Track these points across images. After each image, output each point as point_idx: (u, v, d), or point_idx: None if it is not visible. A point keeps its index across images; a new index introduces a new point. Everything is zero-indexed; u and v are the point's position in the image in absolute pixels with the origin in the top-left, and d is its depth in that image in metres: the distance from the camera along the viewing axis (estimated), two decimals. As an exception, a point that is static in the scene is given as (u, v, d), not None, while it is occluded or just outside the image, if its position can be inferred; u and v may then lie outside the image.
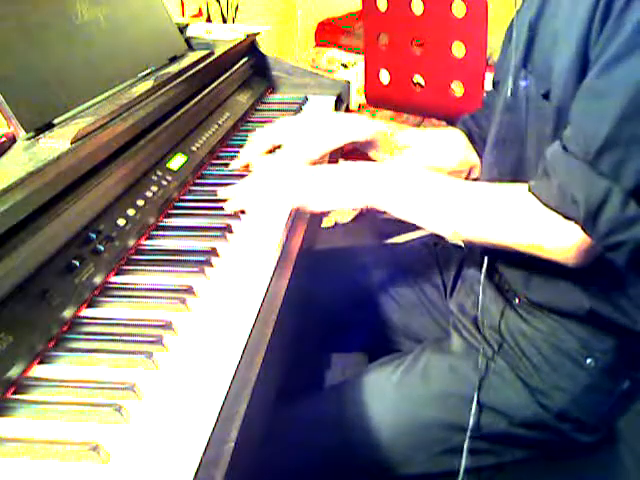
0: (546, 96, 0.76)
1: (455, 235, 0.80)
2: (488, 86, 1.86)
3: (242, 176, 0.96)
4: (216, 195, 0.95)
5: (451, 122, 2.01)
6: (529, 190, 0.74)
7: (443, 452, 0.85)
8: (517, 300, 0.87)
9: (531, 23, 0.79)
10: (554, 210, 0.71)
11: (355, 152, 1.03)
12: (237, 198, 0.86)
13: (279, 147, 1.00)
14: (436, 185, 0.81)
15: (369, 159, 1.02)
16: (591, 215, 0.68)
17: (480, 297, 0.90)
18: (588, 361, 0.82)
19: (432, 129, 1.12)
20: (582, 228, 0.69)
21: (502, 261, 0.88)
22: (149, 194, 0.87)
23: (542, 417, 0.83)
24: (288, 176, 0.84)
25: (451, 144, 1.04)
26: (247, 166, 1.01)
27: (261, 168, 0.92)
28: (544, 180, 0.72)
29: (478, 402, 0.84)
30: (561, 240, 0.71)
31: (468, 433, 0.83)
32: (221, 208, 0.91)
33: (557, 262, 0.74)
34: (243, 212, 0.87)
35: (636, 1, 0.64)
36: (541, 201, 0.72)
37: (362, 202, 0.81)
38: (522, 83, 0.79)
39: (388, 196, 0.81)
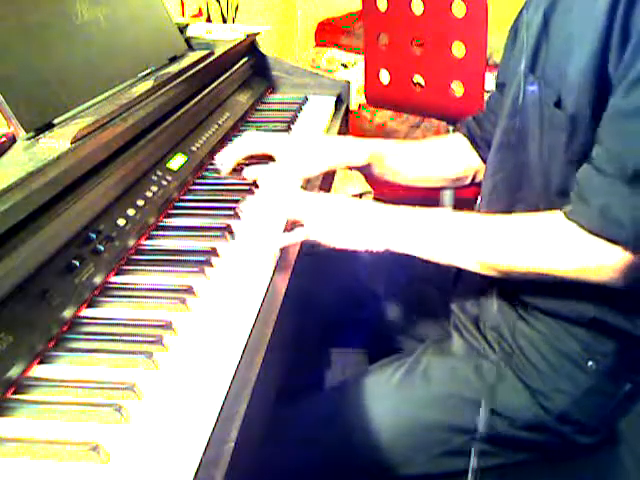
0: (557, 104, 0.75)
1: (484, 267, 0.79)
2: (488, 86, 1.87)
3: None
4: (216, 195, 0.95)
5: (451, 122, 2.01)
6: (566, 217, 0.72)
7: (444, 453, 0.84)
8: (518, 302, 0.86)
9: (539, 26, 0.78)
10: (597, 235, 0.70)
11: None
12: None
13: (269, 158, 1.01)
14: (461, 222, 0.80)
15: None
16: (638, 235, 0.67)
17: (481, 298, 0.90)
18: (589, 364, 0.81)
19: (432, 138, 1.12)
20: (631, 250, 0.68)
21: None
22: (149, 194, 0.87)
23: (543, 419, 0.83)
24: (308, 207, 0.83)
25: (453, 151, 1.04)
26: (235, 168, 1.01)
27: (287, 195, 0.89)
28: (582, 205, 0.71)
29: (479, 404, 0.84)
30: (604, 262, 0.71)
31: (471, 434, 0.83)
32: (221, 208, 0.91)
33: (603, 284, 0.73)
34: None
35: None
36: (582, 227, 0.71)
37: (379, 245, 0.81)
38: (530, 88, 0.79)
39: (409, 240, 0.81)
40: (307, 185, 1.00)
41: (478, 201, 0.96)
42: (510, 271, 0.77)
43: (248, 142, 1.02)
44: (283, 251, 0.82)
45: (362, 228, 0.81)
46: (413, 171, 1.04)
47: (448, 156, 1.04)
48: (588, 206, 0.70)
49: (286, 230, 0.84)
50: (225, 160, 1.01)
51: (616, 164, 0.67)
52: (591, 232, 0.70)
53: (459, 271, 1.03)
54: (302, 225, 0.81)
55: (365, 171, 1.03)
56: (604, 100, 0.70)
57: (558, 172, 0.77)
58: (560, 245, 0.74)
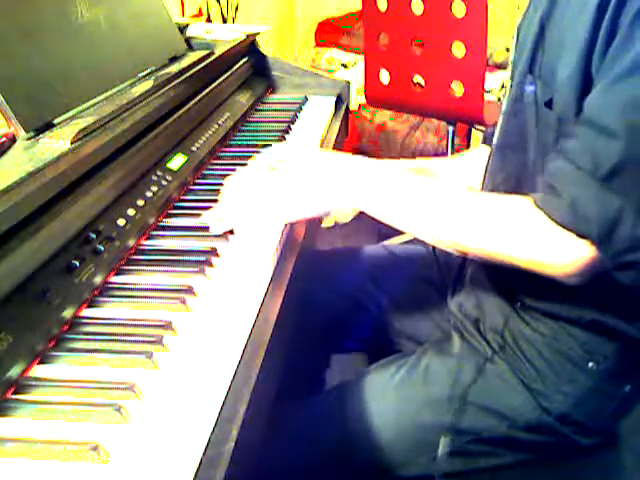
0: (548, 104, 0.74)
1: (440, 242, 0.78)
2: (488, 86, 1.87)
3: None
4: (216, 195, 0.95)
5: (451, 122, 2.02)
6: (534, 204, 0.72)
7: (444, 454, 0.84)
8: (519, 304, 0.86)
9: (538, 26, 0.77)
10: (565, 227, 0.69)
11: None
12: (223, 219, 0.84)
13: None
14: (427, 189, 0.79)
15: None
16: (604, 233, 0.66)
17: (480, 299, 0.90)
18: (590, 364, 0.81)
19: (460, 155, 1.10)
20: (596, 246, 0.68)
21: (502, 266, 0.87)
22: (149, 194, 0.87)
23: (544, 420, 0.83)
24: (269, 188, 0.81)
25: (482, 163, 1.03)
26: None
27: (236, 183, 0.87)
28: (553, 196, 0.70)
29: (479, 405, 0.84)
30: (565, 256, 0.70)
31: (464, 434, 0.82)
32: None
33: (555, 278, 0.72)
34: (232, 232, 0.84)
35: None
36: (549, 216, 0.70)
37: (346, 204, 0.79)
38: (528, 88, 0.78)
39: (375, 199, 0.78)
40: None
41: None
42: (466, 249, 0.77)
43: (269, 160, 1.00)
44: (283, 252, 0.82)
45: (326, 191, 0.79)
46: (457, 185, 1.03)
47: (479, 170, 1.03)
48: (558, 197, 0.69)
49: (285, 230, 0.84)
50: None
51: (591, 160, 0.67)
52: (558, 223, 0.69)
53: (459, 272, 1.03)
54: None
55: None
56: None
57: None
58: (522, 231, 0.72)
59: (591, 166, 0.67)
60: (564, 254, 0.70)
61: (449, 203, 0.77)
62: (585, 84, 0.69)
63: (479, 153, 1.04)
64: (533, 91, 0.77)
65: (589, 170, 0.67)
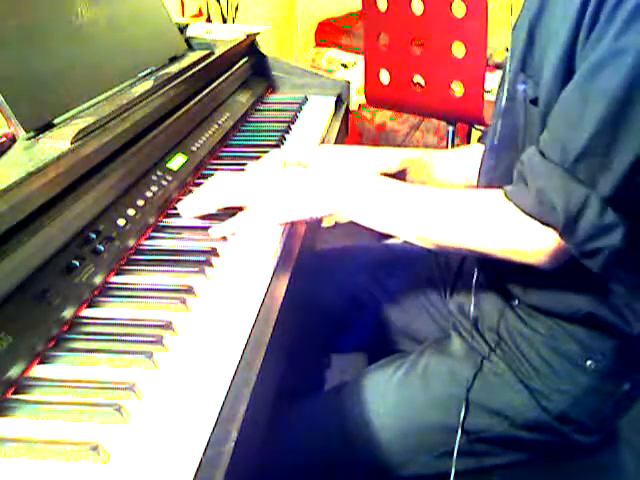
0: (534, 102, 0.75)
1: (422, 240, 0.78)
2: (488, 86, 1.87)
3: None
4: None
5: (451, 122, 2.02)
6: (505, 196, 0.73)
7: (443, 454, 0.84)
8: (516, 301, 0.87)
9: (529, 25, 0.78)
10: (531, 216, 0.70)
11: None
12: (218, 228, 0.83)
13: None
14: (403, 191, 0.79)
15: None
16: (570, 222, 0.68)
17: (479, 298, 0.90)
18: (588, 363, 0.82)
19: (458, 148, 1.11)
20: (560, 234, 0.69)
21: (499, 264, 0.88)
22: (149, 194, 0.87)
23: (543, 419, 0.83)
24: (250, 190, 0.81)
25: (479, 159, 1.03)
26: None
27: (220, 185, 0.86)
28: (521, 186, 0.71)
29: (478, 404, 0.84)
30: (535, 244, 0.71)
31: (459, 434, 0.82)
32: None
33: (529, 265, 0.74)
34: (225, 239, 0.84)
35: (621, 14, 0.64)
36: (518, 207, 0.71)
37: (324, 210, 0.79)
38: (520, 87, 0.79)
39: (353, 204, 0.79)
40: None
41: None
42: (444, 245, 0.78)
43: (284, 153, 1.00)
44: (283, 251, 0.82)
45: (304, 196, 0.80)
46: (452, 178, 1.03)
47: (475, 165, 1.03)
48: (527, 187, 0.71)
49: (285, 230, 0.84)
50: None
51: (559, 150, 0.68)
52: (526, 213, 0.71)
53: (458, 272, 1.03)
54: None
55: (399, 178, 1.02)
56: None
57: None
58: (494, 223, 0.74)
59: (561, 157, 0.68)
60: (533, 243, 0.71)
61: (424, 201, 0.78)
62: (568, 79, 0.70)
63: (475, 148, 1.04)
64: (525, 90, 0.78)
65: (557, 160, 0.68)
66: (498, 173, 0.85)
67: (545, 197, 0.69)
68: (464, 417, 0.83)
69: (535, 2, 0.78)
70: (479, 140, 1.07)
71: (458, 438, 0.82)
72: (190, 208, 0.84)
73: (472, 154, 1.03)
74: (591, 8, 0.66)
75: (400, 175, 1.01)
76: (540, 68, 0.74)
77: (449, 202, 0.77)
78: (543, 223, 0.70)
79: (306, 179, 0.81)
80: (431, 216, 0.77)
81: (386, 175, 0.98)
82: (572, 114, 0.67)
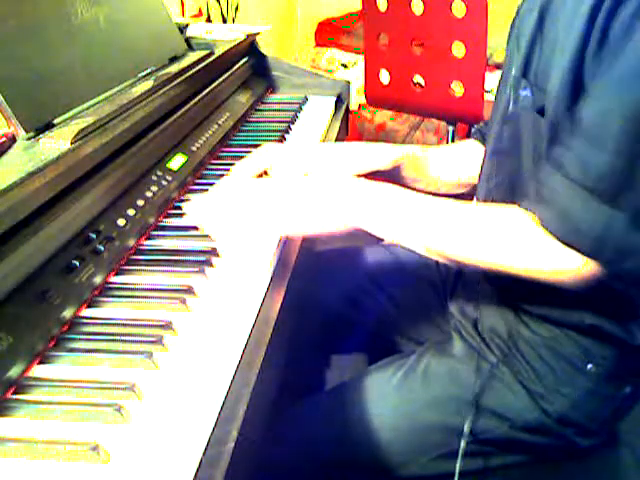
0: (540, 112, 0.73)
1: (432, 252, 0.77)
2: (488, 86, 1.87)
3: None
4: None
5: (451, 122, 2.02)
6: (526, 215, 0.71)
7: (444, 455, 0.84)
8: (517, 306, 0.86)
9: (533, 29, 0.76)
10: (555, 237, 0.68)
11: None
12: (210, 225, 0.81)
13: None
14: (420, 203, 0.77)
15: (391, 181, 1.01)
16: (595, 244, 0.66)
17: (480, 299, 0.90)
18: (589, 367, 0.81)
19: (451, 145, 1.10)
20: (587, 256, 0.67)
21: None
22: (149, 194, 0.87)
23: (543, 421, 0.83)
24: (262, 198, 0.79)
25: (472, 155, 1.03)
26: None
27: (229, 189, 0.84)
28: (544, 205, 0.70)
29: (479, 406, 0.84)
30: (561, 265, 0.70)
31: (464, 437, 0.82)
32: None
33: (560, 285, 0.72)
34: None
35: (637, 29, 0.62)
36: (541, 227, 0.69)
37: (336, 222, 0.77)
38: (522, 93, 0.77)
39: (371, 217, 0.77)
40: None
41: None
42: (461, 260, 0.76)
43: (269, 153, 0.97)
44: (283, 252, 0.82)
45: (316, 208, 0.77)
46: (439, 175, 1.03)
47: (468, 161, 1.02)
48: (550, 208, 0.69)
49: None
50: (242, 173, 0.96)
51: (580, 170, 0.66)
52: (550, 233, 0.69)
53: (459, 273, 1.03)
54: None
55: (390, 176, 1.01)
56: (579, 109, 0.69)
57: None
58: (516, 242, 0.72)
59: (581, 176, 0.66)
60: (559, 263, 0.69)
61: (445, 217, 0.76)
62: (577, 91, 0.68)
63: (469, 145, 1.04)
64: (527, 96, 0.76)
65: (579, 180, 0.66)
66: (498, 180, 0.85)
67: (569, 219, 0.67)
68: (466, 419, 0.83)
69: (536, 8, 0.76)
70: (472, 135, 1.06)
71: (464, 439, 0.82)
72: (196, 213, 0.82)
73: (466, 151, 1.02)
74: (602, 15, 0.64)
75: (394, 171, 1.00)
76: (545, 76, 0.73)
77: (469, 217, 0.75)
78: (568, 245, 0.68)
79: (318, 191, 0.79)
80: (451, 232, 0.75)
81: (379, 171, 0.99)
82: (591, 132, 0.66)
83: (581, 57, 0.67)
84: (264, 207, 0.78)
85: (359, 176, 0.96)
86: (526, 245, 0.71)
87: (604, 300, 0.76)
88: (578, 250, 0.67)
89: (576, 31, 0.67)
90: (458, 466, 0.82)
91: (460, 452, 0.82)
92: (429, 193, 0.80)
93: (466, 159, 1.01)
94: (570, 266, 0.69)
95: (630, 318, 0.78)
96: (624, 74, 0.63)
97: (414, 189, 1.02)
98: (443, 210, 0.76)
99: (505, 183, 0.83)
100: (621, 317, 0.78)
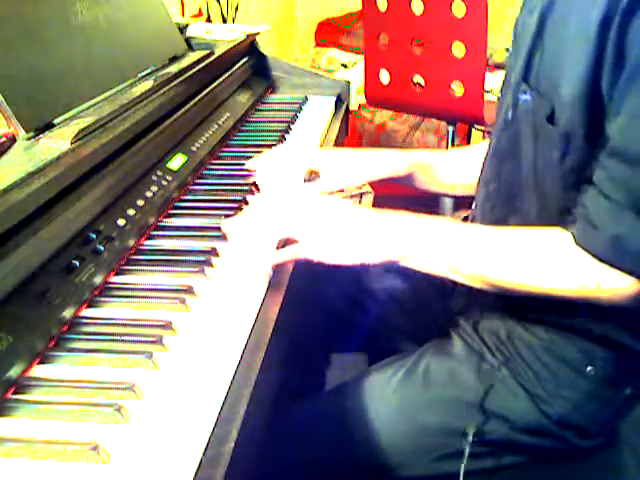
0: (550, 119, 0.72)
1: (488, 284, 0.77)
2: (488, 86, 1.87)
3: (245, 176, 0.96)
4: (216, 195, 0.95)
5: (451, 122, 2.02)
6: (575, 240, 0.71)
7: (444, 456, 0.84)
8: (517, 309, 0.86)
9: (534, 32, 0.75)
10: (608, 263, 0.68)
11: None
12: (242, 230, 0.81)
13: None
14: (467, 235, 0.77)
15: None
16: None
17: (479, 301, 0.90)
18: (589, 369, 0.81)
19: (465, 149, 1.10)
20: (637, 277, 0.67)
21: None
22: (149, 194, 0.87)
23: (543, 423, 0.82)
24: (294, 215, 0.79)
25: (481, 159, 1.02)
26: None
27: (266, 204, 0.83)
28: (591, 231, 0.69)
29: (479, 407, 0.84)
30: (613, 288, 0.69)
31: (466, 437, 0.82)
32: (221, 208, 0.91)
33: (615, 305, 0.72)
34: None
35: None
36: (591, 253, 0.69)
37: (380, 257, 0.77)
38: (523, 97, 0.76)
39: (413, 251, 0.77)
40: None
41: (472, 207, 0.95)
42: (515, 289, 0.76)
43: (287, 155, 0.99)
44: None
45: (358, 241, 0.77)
46: (459, 178, 1.03)
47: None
48: (598, 233, 0.68)
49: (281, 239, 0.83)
50: (259, 170, 0.99)
51: (624, 193, 0.66)
52: (601, 260, 0.68)
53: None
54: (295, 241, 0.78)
55: (406, 182, 1.02)
56: (597, 119, 0.68)
57: (554, 188, 0.75)
58: (568, 268, 0.71)
59: (627, 199, 0.65)
60: (610, 286, 0.69)
61: (488, 242, 0.76)
62: (594, 102, 0.67)
63: (479, 148, 1.03)
64: (527, 100, 0.75)
65: (626, 204, 0.66)
66: (497, 184, 0.84)
67: (620, 243, 0.67)
68: (469, 421, 0.83)
69: (536, 10, 0.75)
70: (487, 137, 1.06)
71: (468, 441, 0.81)
72: (236, 230, 0.81)
73: (475, 154, 1.02)
74: (615, 28, 0.63)
75: (407, 179, 1.01)
76: (549, 82, 0.72)
77: (514, 243, 0.75)
78: (621, 269, 0.68)
79: (363, 224, 0.78)
80: (499, 259, 0.75)
81: (393, 179, 0.99)
82: (629, 153, 0.65)
83: (597, 69, 0.66)
84: (306, 225, 0.77)
85: (374, 182, 0.99)
86: (577, 272, 0.71)
87: (607, 309, 0.75)
88: (630, 272, 0.67)
89: (588, 39, 0.66)
90: (463, 466, 0.82)
91: (465, 454, 0.82)
92: (444, 195, 0.79)
93: (475, 163, 1.01)
94: (623, 288, 0.69)
95: (630, 323, 0.78)
96: None
97: (427, 192, 1.03)
98: (493, 238, 0.76)
99: (504, 187, 0.83)
100: (625, 324, 0.78)
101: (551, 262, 0.73)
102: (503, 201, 0.82)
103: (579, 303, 0.75)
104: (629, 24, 0.63)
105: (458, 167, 1.03)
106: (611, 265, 0.68)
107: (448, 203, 2.11)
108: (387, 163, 1.00)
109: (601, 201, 0.68)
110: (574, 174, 0.72)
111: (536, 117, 0.74)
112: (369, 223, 0.78)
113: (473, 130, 2.31)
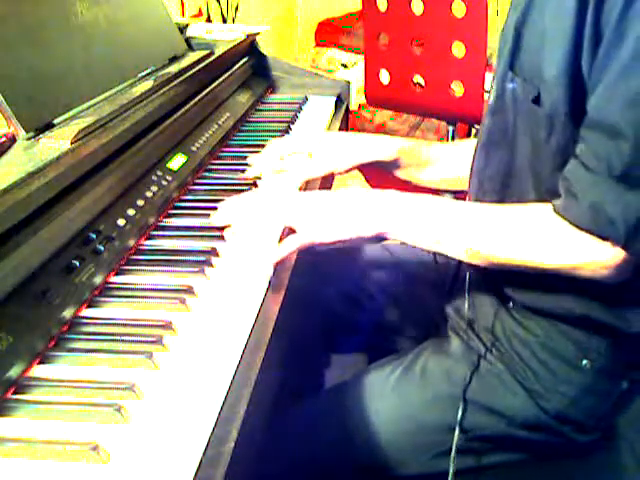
0: (536, 101, 0.74)
1: (473, 256, 0.78)
2: (488, 86, 1.87)
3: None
4: (216, 195, 0.95)
5: (451, 122, 2.02)
6: (555, 211, 0.72)
7: (442, 453, 0.84)
8: (510, 303, 0.86)
9: (517, 22, 0.77)
10: (588, 232, 0.69)
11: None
12: (231, 219, 0.82)
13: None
14: (452, 209, 0.79)
15: (392, 177, 1.02)
16: (631, 232, 0.66)
17: (474, 300, 0.90)
18: (584, 363, 0.81)
19: (457, 141, 1.11)
20: (622, 247, 0.68)
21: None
22: (149, 194, 0.87)
23: (541, 419, 0.83)
24: (288, 206, 0.81)
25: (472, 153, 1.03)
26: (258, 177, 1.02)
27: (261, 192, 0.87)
28: (572, 201, 0.70)
29: (476, 403, 0.84)
30: (595, 259, 0.70)
31: (455, 433, 0.82)
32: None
33: (597, 279, 0.72)
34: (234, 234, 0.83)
35: (633, 13, 0.63)
36: (572, 223, 0.70)
37: (372, 231, 0.79)
38: (509, 85, 0.78)
39: (401, 223, 0.79)
40: (307, 186, 1.00)
41: (466, 200, 0.96)
42: (500, 262, 0.77)
43: (281, 145, 1.01)
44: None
45: (352, 216, 0.79)
46: (440, 171, 1.04)
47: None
48: (578, 202, 0.69)
49: (284, 233, 0.84)
50: (259, 164, 1.01)
51: (603, 161, 0.67)
52: (582, 229, 0.70)
53: (456, 273, 1.03)
54: (294, 232, 0.79)
55: (392, 168, 1.02)
56: (580, 98, 0.69)
57: (545, 169, 0.76)
58: (550, 240, 0.73)
59: (605, 168, 0.66)
60: (593, 257, 0.70)
61: (476, 217, 0.78)
62: (575, 81, 0.69)
63: (471, 142, 1.04)
64: (515, 88, 0.77)
65: (603, 172, 0.67)
66: (489, 173, 0.85)
67: (601, 211, 0.67)
68: (462, 416, 0.83)
69: (522, 2, 0.77)
70: (449, 124, 1.08)
71: (457, 436, 0.82)
72: (226, 219, 0.82)
73: (468, 148, 1.03)
74: (592, 5, 0.65)
75: (394, 164, 1.01)
76: (536, 67, 0.73)
77: (500, 217, 0.77)
78: (602, 237, 0.68)
79: (354, 200, 0.80)
80: (484, 231, 0.76)
81: (381, 162, 1.00)
82: (607, 123, 0.66)
83: (576, 48, 0.68)
84: (301, 213, 0.79)
85: (362, 166, 1.00)
86: (559, 242, 0.72)
87: (595, 288, 0.76)
88: (613, 241, 0.68)
89: (565, 21, 0.68)
90: (452, 465, 0.82)
91: (453, 449, 0.82)
92: (428, 189, 0.81)
93: (467, 156, 1.02)
94: (606, 259, 0.70)
95: (622, 304, 0.78)
96: (629, 61, 0.64)
97: (413, 184, 1.03)
98: (481, 213, 0.78)
99: (496, 176, 0.83)
100: (613, 304, 0.78)
101: (534, 234, 0.74)
102: (497, 188, 0.83)
103: (565, 284, 0.76)
104: (604, 2, 0.65)
105: (446, 159, 1.04)
106: (591, 233, 0.69)
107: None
108: (377, 146, 1.01)
109: (581, 172, 0.69)
110: (560, 154, 0.73)
111: (523, 102, 0.76)
112: (360, 199, 0.81)
113: (473, 130, 2.31)
